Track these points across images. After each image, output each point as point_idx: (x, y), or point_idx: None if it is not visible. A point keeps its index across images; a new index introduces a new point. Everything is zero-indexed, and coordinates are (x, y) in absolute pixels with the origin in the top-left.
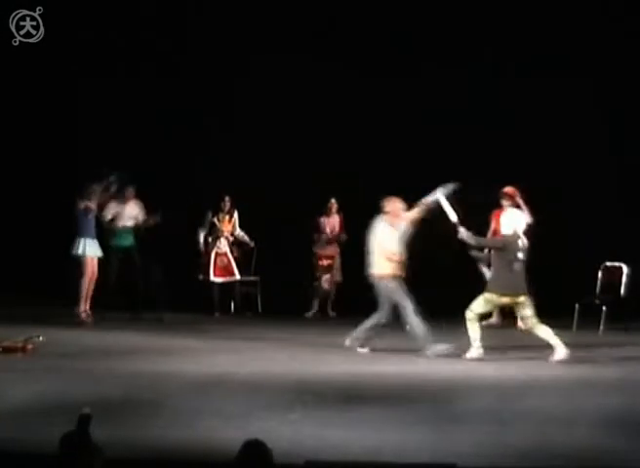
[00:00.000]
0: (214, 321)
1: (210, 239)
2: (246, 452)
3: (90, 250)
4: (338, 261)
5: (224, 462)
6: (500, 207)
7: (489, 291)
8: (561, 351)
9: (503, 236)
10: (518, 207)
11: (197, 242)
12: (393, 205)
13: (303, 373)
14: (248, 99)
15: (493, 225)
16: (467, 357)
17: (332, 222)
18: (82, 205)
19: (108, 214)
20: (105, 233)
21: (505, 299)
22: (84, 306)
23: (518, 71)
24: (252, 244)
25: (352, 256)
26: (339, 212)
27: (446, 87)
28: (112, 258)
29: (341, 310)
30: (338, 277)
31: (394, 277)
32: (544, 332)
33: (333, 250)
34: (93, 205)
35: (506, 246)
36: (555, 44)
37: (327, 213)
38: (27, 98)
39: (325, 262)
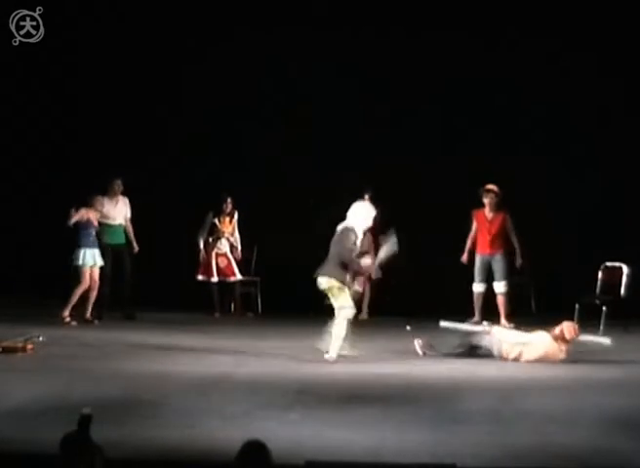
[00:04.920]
0: (214, 321)
1: (210, 240)
2: (246, 452)
3: (90, 260)
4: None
5: (224, 462)
6: (482, 205)
7: None
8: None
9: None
10: (501, 204)
11: (197, 243)
12: None
13: (303, 373)
14: (248, 100)
15: (475, 225)
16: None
17: None
18: (85, 217)
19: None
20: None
21: None
22: (69, 311)
23: None
24: (239, 248)
25: None
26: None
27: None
28: (105, 257)
29: (380, 311)
30: (372, 274)
31: None
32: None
33: (366, 244)
34: (94, 218)
35: None
36: None
37: None
38: (27, 99)
39: None
